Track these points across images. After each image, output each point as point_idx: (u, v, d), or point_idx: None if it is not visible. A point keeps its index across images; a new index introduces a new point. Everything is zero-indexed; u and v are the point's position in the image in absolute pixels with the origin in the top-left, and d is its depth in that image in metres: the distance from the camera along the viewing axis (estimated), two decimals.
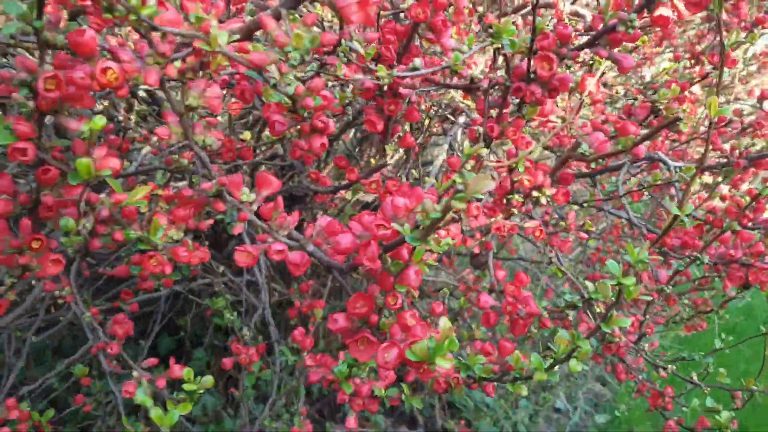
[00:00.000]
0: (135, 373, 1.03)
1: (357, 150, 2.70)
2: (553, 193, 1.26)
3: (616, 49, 1.03)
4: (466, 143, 2.28)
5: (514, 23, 1.83)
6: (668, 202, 2.45)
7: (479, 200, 1.10)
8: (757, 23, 1.49)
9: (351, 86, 1.20)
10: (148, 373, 1.03)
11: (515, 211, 1.33)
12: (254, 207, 0.85)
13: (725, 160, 1.56)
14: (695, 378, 1.52)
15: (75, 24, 0.75)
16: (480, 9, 1.68)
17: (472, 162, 1.18)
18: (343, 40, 0.94)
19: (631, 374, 1.65)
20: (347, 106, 1.06)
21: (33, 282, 1.38)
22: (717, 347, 1.62)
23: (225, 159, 1.29)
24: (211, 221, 1.05)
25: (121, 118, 1.33)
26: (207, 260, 0.97)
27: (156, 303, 2.57)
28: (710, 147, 1.05)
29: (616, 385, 4.09)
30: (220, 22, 0.77)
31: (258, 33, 0.97)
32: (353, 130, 2.62)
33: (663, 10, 1.04)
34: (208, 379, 0.83)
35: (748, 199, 1.41)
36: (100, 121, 0.68)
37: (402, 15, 1.30)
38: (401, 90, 1.10)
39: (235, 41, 0.73)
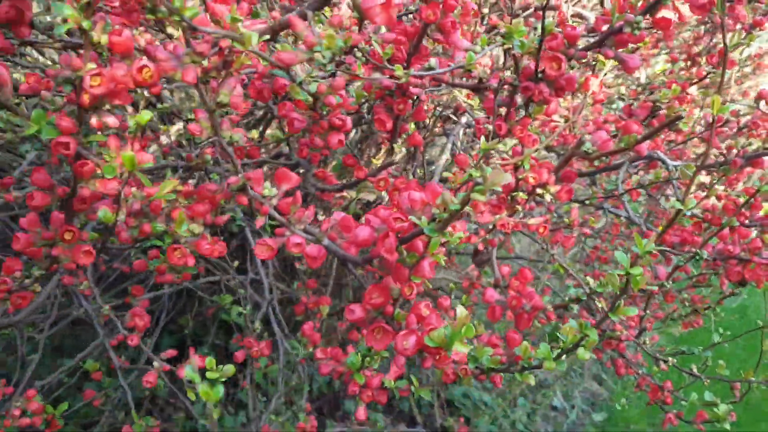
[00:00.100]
0: (155, 364, 1.06)
1: (357, 149, 2.73)
2: (557, 190, 1.29)
3: (620, 50, 1.07)
4: (480, 143, 2.32)
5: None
6: (665, 202, 2.49)
7: (498, 193, 1.13)
8: (755, 25, 1.53)
9: (356, 85, 1.23)
10: (167, 364, 1.06)
11: (519, 208, 1.36)
12: (274, 201, 0.88)
13: (723, 159, 1.60)
14: (695, 371, 1.56)
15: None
16: (485, 11, 1.71)
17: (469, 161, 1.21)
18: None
19: (630, 369, 1.69)
20: (362, 105, 1.09)
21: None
22: (715, 341, 1.66)
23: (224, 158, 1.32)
24: (226, 217, 1.08)
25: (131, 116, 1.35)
26: (224, 254, 1.00)
27: (158, 301, 2.60)
28: (712, 140, 1.09)
29: (613, 384, 4.14)
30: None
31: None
32: (354, 130, 2.65)
33: (665, 13, 1.07)
34: (230, 368, 0.86)
35: (744, 197, 1.45)
36: (146, 115, 0.71)
37: (410, 16, 1.34)
38: (412, 89, 1.13)
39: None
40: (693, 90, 1.92)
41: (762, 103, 1.49)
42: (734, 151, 1.61)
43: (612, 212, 1.91)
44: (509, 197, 1.35)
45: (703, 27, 2.58)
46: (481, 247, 1.55)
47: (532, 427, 3.63)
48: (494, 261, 1.51)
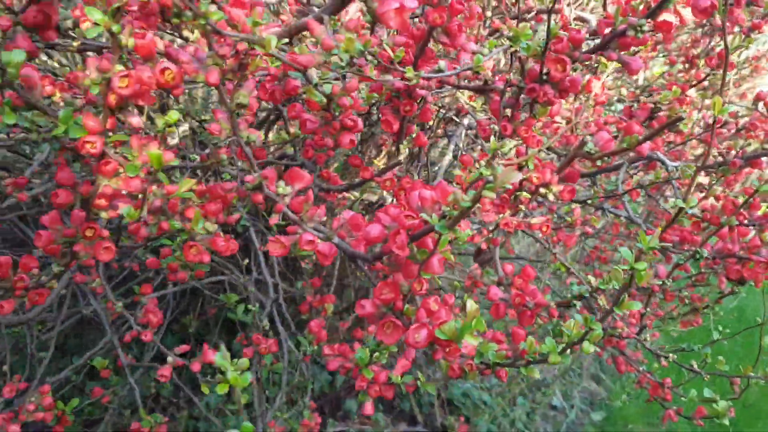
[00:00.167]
0: (169, 359, 1.08)
1: (358, 151, 2.75)
2: (560, 190, 1.32)
3: (623, 53, 1.09)
4: (481, 144, 2.35)
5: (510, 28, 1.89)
6: (663, 203, 2.52)
7: (501, 193, 1.16)
8: (754, 28, 1.56)
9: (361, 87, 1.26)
10: (182, 359, 1.08)
11: (522, 207, 1.39)
12: (287, 200, 0.90)
13: (722, 159, 1.63)
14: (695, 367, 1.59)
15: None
16: (487, 14, 1.73)
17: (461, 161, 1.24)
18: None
19: (631, 366, 1.71)
20: (372, 106, 1.11)
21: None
22: (715, 339, 1.69)
23: (240, 158, 1.34)
24: (237, 216, 1.11)
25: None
26: (236, 251, 1.02)
27: (162, 301, 2.62)
28: (713, 140, 1.11)
29: (611, 383, 4.17)
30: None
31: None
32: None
33: (666, 16, 1.10)
34: (245, 362, 0.88)
35: (742, 197, 1.47)
36: (174, 115, 0.73)
37: (416, 20, 1.36)
38: (419, 91, 1.15)
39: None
40: (692, 92, 1.95)
41: (760, 104, 1.52)
42: (733, 152, 1.64)
43: (612, 212, 1.94)
44: (513, 197, 1.38)
45: (700, 30, 2.61)
46: (484, 246, 1.57)
47: (531, 426, 3.65)
48: (497, 260, 1.54)
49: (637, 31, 1.00)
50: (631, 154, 1.65)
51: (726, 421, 1.48)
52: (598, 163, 1.34)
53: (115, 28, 0.62)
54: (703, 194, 1.58)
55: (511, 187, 0.69)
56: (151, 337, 1.10)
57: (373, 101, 1.12)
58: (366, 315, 0.93)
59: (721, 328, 1.73)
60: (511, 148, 0.99)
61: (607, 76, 1.44)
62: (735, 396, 1.55)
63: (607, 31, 1.16)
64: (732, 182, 2.15)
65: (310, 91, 0.88)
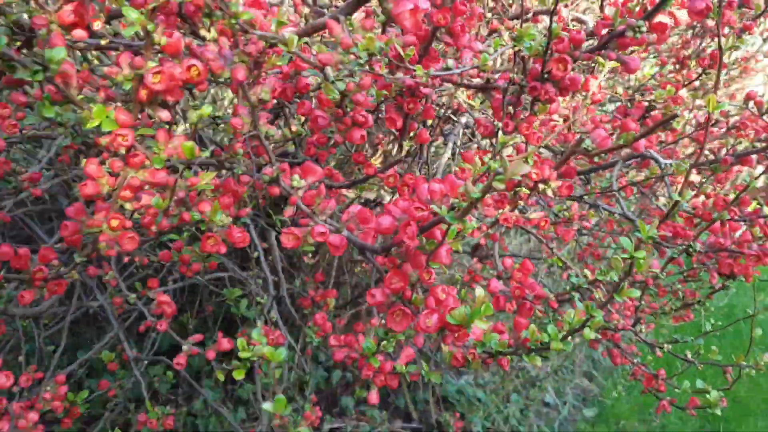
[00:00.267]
0: (185, 347, 1.12)
1: (354, 149, 2.79)
2: (558, 186, 1.36)
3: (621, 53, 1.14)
4: (477, 141, 2.39)
5: (512, 29, 1.94)
6: (655, 201, 2.57)
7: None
8: (745, 29, 1.61)
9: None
10: (197, 348, 1.12)
11: (521, 203, 1.43)
12: (300, 193, 0.94)
13: (713, 157, 1.68)
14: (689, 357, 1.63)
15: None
16: (488, 15, 1.78)
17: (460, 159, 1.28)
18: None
19: (626, 359, 1.76)
20: (381, 104, 1.15)
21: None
22: (707, 330, 1.74)
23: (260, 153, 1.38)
24: (248, 209, 1.14)
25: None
26: (248, 243, 1.06)
27: None
28: (707, 138, 1.16)
29: (603, 380, 4.22)
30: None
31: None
32: None
33: (661, 17, 1.14)
34: (260, 349, 0.92)
35: (734, 193, 1.52)
36: (207, 108, 0.77)
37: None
38: (423, 89, 1.19)
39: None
40: (683, 92, 2.00)
41: (751, 103, 1.57)
42: (724, 150, 1.69)
43: (606, 209, 1.98)
44: (512, 193, 1.42)
45: (690, 31, 2.66)
46: (483, 241, 1.62)
47: (525, 423, 3.69)
48: (496, 254, 1.58)
49: (635, 31, 1.04)
50: (625, 151, 1.70)
51: (718, 411, 1.52)
52: (596, 159, 1.38)
53: (150, 27, 0.65)
54: (694, 192, 1.63)
55: (520, 178, 0.73)
56: (166, 326, 1.14)
57: (381, 99, 1.16)
58: (376, 303, 0.97)
59: (713, 321, 1.78)
60: (516, 143, 1.03)
61: (604, 76, 1.48)
62: (727, 387, 1.59)
63: (604, 31, 1.21)
64: (723, 180, 2.20)
65: (327, 88, 0.92)
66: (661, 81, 2.38)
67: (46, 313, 1.65)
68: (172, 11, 0.89)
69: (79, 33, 0.76)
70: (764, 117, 1.65)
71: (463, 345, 1.13)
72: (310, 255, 2.28)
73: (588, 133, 1.31)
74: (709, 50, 2.29)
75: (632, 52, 2.00)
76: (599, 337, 1.12)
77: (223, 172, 1.15)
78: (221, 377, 1.12)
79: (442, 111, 1.74)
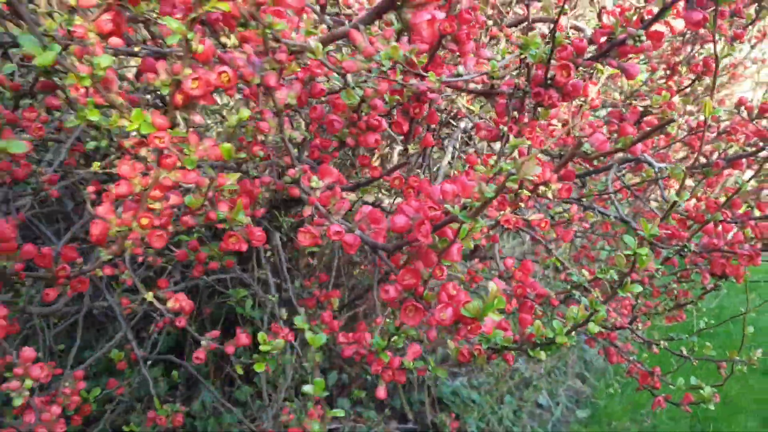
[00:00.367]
0: (203, 342, 1.16)
1: (352, 154, 2.84)
2: (558, 188, 1.41)
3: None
4: (472, 146, 2.44)
5: (509, 36, 1.99)
6: (647, 204, 2.63)
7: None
8: (736, 37, 1.66)
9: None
10: (214, 342, 1.16)
11: (522, 205, 1.48)
12: (317, 193, 0.98)
13: (705, 161, 1.74)
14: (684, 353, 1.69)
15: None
16: (489, 23, 1.83)
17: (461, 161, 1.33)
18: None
19: (621, 357, 1.81)
20: (392, 109, 1.20)
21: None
22: (701, 328, 1.79)
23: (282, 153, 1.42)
24: (263, 210, 1.19)
25: None
26: (264, 242, 1.10)
27: None
28: (702, 142, 1.21)
29: (596, 381, 4.28)
30: None
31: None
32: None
33: (657, 26, 1.20)
34: (280, 342, 0.96)
35: (724, 197, 1.58)
36: (244, 113, 0.81)
37: None
38: (429, 94, 1.24)
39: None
40: (674, 98, 2.06)
41: (742, 109, 1.62)
42: (716, 154, 1.75)
43: (601, 212, 2.04)
44: (513, 194, 1.47)
45: (681, 38, 2.73)
46: (483, 242, 1.66)
47: (518, 424, 3.74)
48: (497, 254, 1.63)
49: (635, 40, 1.10)
50: (618, 156, 1.75)
51: (711, 406, 1.58)
52: (595, 162, 1.43)
53: (190, 35, 0.70)
54: (689, 194, 1.68)
55: (532, 178, 0.78)
56: (185, 323, 1.18)
57: (393, 104, 1.20)
58: (389, 299, 1.01)
59: (706, 320, 1.83)
60: (525, 146, 1.07)
61: (602, 82, 1.53)
62: (720, 383, 1.64)
63: (602, 39, 1.26)
64: (713, 183, 2.26)
65: (349, 93, 0.96)
66: (652, 87, 2.44)
67: (59, 312, 1.68)
68: (197, 19, 0.93)
69: (115, 41, 0.80)
70: (754, 122, 1.71)
71: (469, 341, 1.18)
72: (310, 257, 2.32)
73: (587, 136, 1.36)
74: (699, 57, 2.35)
75: (628, 59, 2.06)
76: (603, 330, 1.16)
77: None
78: (240, 370, 1.16)
79: (443, 116, 1.79)
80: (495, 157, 1.30)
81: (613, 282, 1.17)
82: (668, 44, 2.81)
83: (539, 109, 1.23)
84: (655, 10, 1.11)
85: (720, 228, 1.51)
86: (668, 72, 2.45)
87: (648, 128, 1.42)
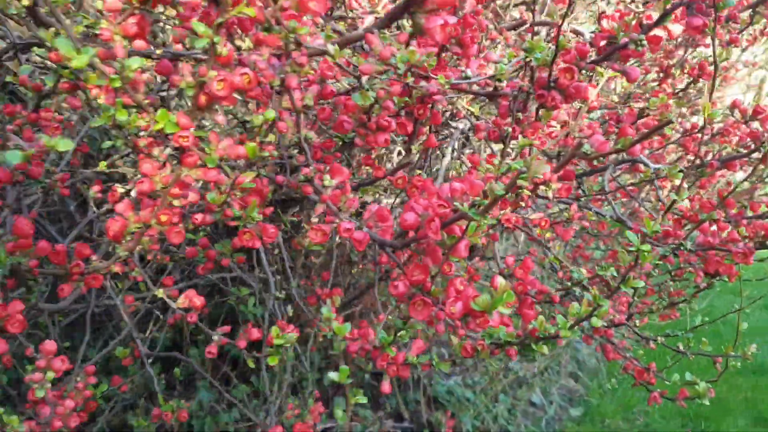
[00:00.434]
0: (215, 338, 1.18)
1: (349, 154, 2.87)
2: (558, 187, 1.44)
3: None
4: (470, 146, 2.47)
5: (507, 39, 2.02)
6: (642, 205, 2.67)
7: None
8: (731, 42, 1.70)
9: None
10: (225, 338, 1.18)
11: (522, 204, 1.51)
12: (329, 191, 1.01)
13: (699, 162, 1.78)
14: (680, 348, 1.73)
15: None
16: (490, 26, 1.87)
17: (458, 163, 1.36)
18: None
19: (618, 353, 1.84)
20: (401, 110, 1.22)
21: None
22: (696, 324, 1.83)
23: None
24: (271, 209, 1.21)
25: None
26: (275, 239, 1.13)
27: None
28: (702, 143, 1.24)
29: (588, 381, 4.32)
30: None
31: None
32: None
33: (657, 31, 1.23)
34: (292, 336, 0.99)
35: (716, 198, 1.62)
36: (270, 114, 0.84)
37: None
38: (434, 96, 1.27)
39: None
40: (670, 101, 2.10)
41: (736, 111, 1.66)
42: (710, 155, 1.79)
43: (598, 213, 2.07)
44: (514, 194, 1.50)
45: (674, 42, 2.77)
46: (483, 241, 1.70)
47: (513, 422, 3.78)
48: (497, 252, 1.66)
49: (637, 44, 1.13)
50: (613, 157, 1.79)
51: (706, 401, 1.61)
52: (594, 162, 1.46)
53: (216, 39, 0.72)
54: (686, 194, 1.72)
55: (542, 177, 0.81)
56: (196, 318, 1.20)
57: (402, 105, 1.23)
58: (398, 294, 1.04)
59: (700, 317, 1.87)
60: (529, 146, 1.11)
61: (602, 85, 1.56)
62: (714, 379, 1.68)
63: (602, 43, 1.29)
64: (705, 184, 2.30)
65: (364, 95, 0.99)
66: (645, 89, 2.48)
67: (66, 309, 1.70)
68: (212, 22, 0.96)
69: (139, 43, 0.83)
70: (747, 124, 1.75)
71: (471, 337, 1.21)
72: (307, 257, 2.35)
73: (587, 137, 1.39)
74: (693, 60, 2.39)
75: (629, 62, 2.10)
76: (606, 325, 1.20)
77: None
78: (251, 364, 1.19)
79: (446, 117, 1.82)
80: (498, 157, 1.33)
81: (611, 278, 1.20)
82: (661, 47, 2.85)
83: (541, 110, 1.26)
84: (655, 15, 1.14)
85: (715, 227, 1.55)
86: (661, 75, 2.49)
87: (645, 130, 1.46)
